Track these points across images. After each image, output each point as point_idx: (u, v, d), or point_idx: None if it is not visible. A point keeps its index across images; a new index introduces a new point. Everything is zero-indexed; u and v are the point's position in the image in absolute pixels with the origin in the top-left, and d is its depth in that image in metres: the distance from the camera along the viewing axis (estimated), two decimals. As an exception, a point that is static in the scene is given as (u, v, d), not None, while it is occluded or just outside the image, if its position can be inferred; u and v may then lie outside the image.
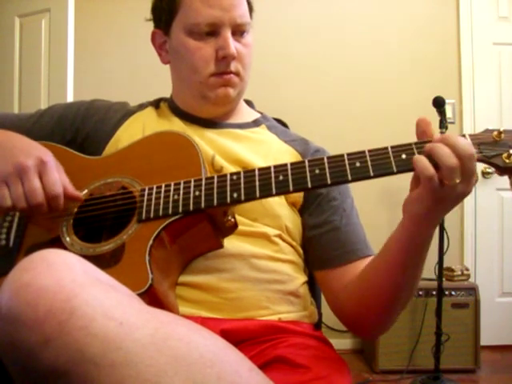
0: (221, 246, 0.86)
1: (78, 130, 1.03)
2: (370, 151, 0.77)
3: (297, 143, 1.03)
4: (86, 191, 0.89)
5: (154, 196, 0.83)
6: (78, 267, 0.58)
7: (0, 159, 0.83)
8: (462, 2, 3.10)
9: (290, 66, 3.08)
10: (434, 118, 2.38)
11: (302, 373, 0.79)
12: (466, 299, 2.60)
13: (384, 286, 0.84)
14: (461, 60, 3.10)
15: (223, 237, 0.87)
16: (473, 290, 2.61)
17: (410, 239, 0.79)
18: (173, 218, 0.80)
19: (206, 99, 0.99)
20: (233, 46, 0.95)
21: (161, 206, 0.81)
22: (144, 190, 0.85)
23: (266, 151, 0.98)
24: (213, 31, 0.95)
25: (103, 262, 0.78)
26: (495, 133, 0.75)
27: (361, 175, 0.76)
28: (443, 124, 2.39)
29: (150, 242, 0.78)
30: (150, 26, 1.05)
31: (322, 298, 1.02)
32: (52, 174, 0.83)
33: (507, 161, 0.74)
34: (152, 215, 0.81)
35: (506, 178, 0.77)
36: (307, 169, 0.78)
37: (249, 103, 1.12)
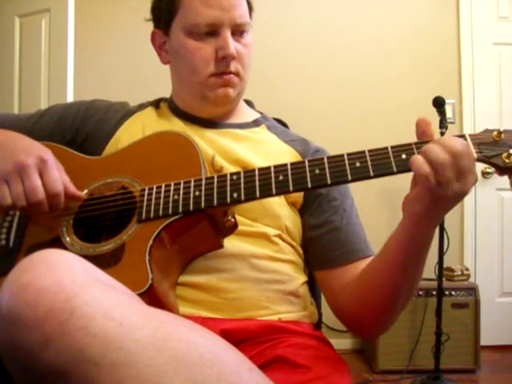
0: (221, 245, 0.86)
1: (78, 130, 1.03)
2: (369, 151, 0.77)
3: (297, 143, 1.03)
4: (86, 191, 0.89)
5: (153, 196, 0.83)
6: (78, 267, 0.58)
7: (0, 158, 0.83)
8: (461, 2, 3.10)
9: (289, 66, 3.08)
10: (434, 118, 2.38)
11: (302, 373, 0.79)
12: (466, 299, 2.60)
13: (384, 286, 0.84)
14: (461, 60, 3.10)
15: (223, 237, 0.87)
16: (473, 290, 2.61)
17: (409, 239, 0.79)
18: (173, 218, 0.81)
19: (205, 99, 0.99)
20: (232, 46, 0.95)
21: (161, 206, 0.81)
22: (144, 190, 0.85)
23: (265, 151, 0.98)
24: (212, 31, 0.95)
25: (103, 262, 0.78)
26: (495, 133, 0.75)
27: (361, 175, 0.76)
28: (443, 124, 2.39)
29: (150, 241, 0.78)
30: (150, 26, 1.05)
31: (322, 298, 1.02)
32: (52, 172, 0.83)
33: (507, 161, 0.74)
34: (152, 215, 0.81)
35: (505, 178, 0.77)
36: (307, 169, 0.78)
37: (249, 103, 1.12)
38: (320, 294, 1.05)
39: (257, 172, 0.80)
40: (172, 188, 0.83)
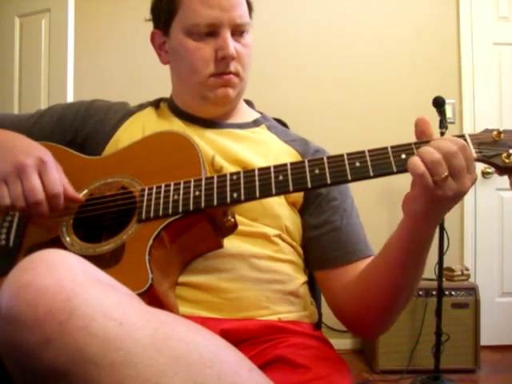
0: (221, 245, 0.86)
1: (78, 130, 1.03)
2: (369, 151, 0.77)
3: (297, 143, 1.03)
4: (85, 191, 0.89)
5: (153, 196, 0.83)
6: (78, 267, 0.58)
7: (0, 159, 0.83)
8: (461, 2, 3.10)
9: (289, 66, 3.08)
10: (434, 118, 2.38)
11: (302, 373, 0.79)
12: (466, 299, 2.60)
13: (384, 286, 0.84)
14: (461, 60, 3.10)
15: (223, 237, 0.87)
16: (473, 290, 2.61)
17: (410, 238, 0.79)
18: (173, 218, 0.81)
19: (205, 99, 0.99)
20: (232, 46, 0.95)
21: (161, 206, 0.81)
22: (144, 190, 0.85)
23: (265, 151, 0.98)
24: (212, 31, 0.95)
25: (103, 262, 0.78)
26: (495, 133, 0.76)
27: (360, 175, 0.76)
28: (443, 124, 2.39)
29: (150, 241, 0.78)
30: (150, 26, 1.05)
31: (322, 298, 1.02)
32: (52, 173, 0.83)
33: (507, 160, 0.74)
34: (152, 215, 0.81)
35: (505, 178, 0.77)
36: (307, 169, 0.78)
37: (249, 103, 1.12)
38: (320, 294, 1.05)
39: (257, 172, 0.81)
40: (172, 188, 0.83)
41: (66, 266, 0.57)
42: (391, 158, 0.76)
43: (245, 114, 1.07)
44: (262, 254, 0.90)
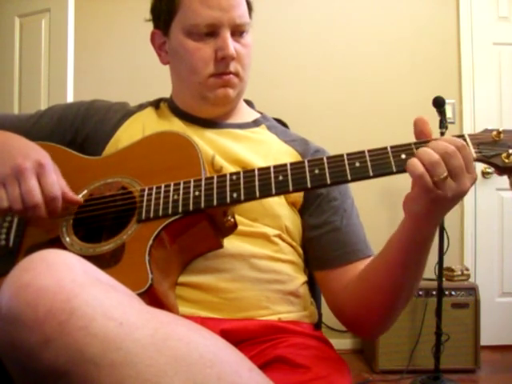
0: (220, 246, 0.86)
1: (78, 130, 1.03)
2: (369, 151, 0.77)
3: (297, 143, 1.03)
4: (85, 191, 0.89)
5: (153, 196, 0.83)
6: (78, 267, 0.58)
7: None
8: (461, 2, 3.10)
9: (289, 66, 3.08)
10: (434, 117, 2.38)
11: (302, 373, 0.79)
12: (466, 299, 2.60)
13: (384, 286, 0.85)
14: (461, 60, 3.10)
15: (223, 237, 0.87)
16: (473, 290, 2.61)
17: (410, 238, 0.79)
18: (172, 218, 0.81)
19: (205, 100, 0.99)
20: (232, 46, 0.95)
21: (160, 206, 0.81)
22: (144, 190, 0.85)
23: (265, 151, 0.98)
24: (212, 32, 0.95)
25: (103, 262, 0.78)
26: (494, 133, 0.76)
27: (360, 175, 0.76)
28: (443, 124, 2.39)
29: (150, 241, 0.78)
30: (150, 26, 1.05)
31: (322, 298, 1.02)
32: (50, 176, 0.83)
33: (506, 161, 0.74)
34: (152, 215, 0.81)
35: (505, 178, 0.77)
36: (307, 169, 0.78)
37: (249, 103, 1.12)
38: (320, 293, 1.05)
39: (256, 172, 0.81)
40: (172, 188, 0.83)
41: (66, 266, 0.57)
42: (391, 158, 0.76)
43: (245, 114, 1.07)
44: (262, 254, 0.90)
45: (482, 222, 3.05)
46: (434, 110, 2.40)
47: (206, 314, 0.84)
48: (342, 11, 3.13)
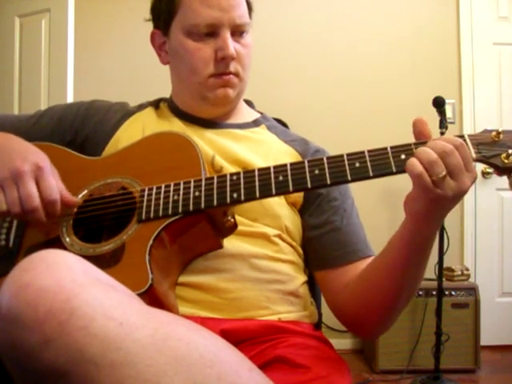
0: (220, 246, 0.86)
1: (78, 130, 1.03)
2: (369, 151, 0.77)
3: (297, 143, 1.03)
4: (85, 191, 0.89)
5: (153, 196, 0.83)
6: (78, 267, 0.58)
7: None
8: (461, 2, 3.10)
9: (289, 66, 3.08)
10: (434, 117, 2.38)
11: (302, 373, 0.79)
12: (466, 299, 2.60)
13: (385, 286, 0.85)
14: (461, 60, 3.10)
15: (223, 237, 0.87)
16: (473, 290, 2.61)
17: (411, 239, 0.79)
18: (173, 218, 0.81)
19: (205, 100, 0.99)
20: (232, 46, 0.95)
21: (161, 207, 0.82)
22: (144, 190, 0.85)
23: (265, 151, 0.98)
24: (212, 32, 0.95)
25: (103, 262, 0.78)
26: (494, 133, 0.76)
27: (360, 175, 0.76)
28: (443, 124, 2.39)
29: (150, 242, 0.78)
30: (150, 26, 1.05)
31: (322, 298, 1.02)
32: (48, 179, 0.83)
33: (506, 161, 0.74)
34: (152, 215, 0.81)
35: (505, 178, 0.77)
36: (307, 169, 0.78)
37: (249, 103, 1.12)
38: (320, 293, 1.05)
39: (256, 172, 0.81)
40: (172, 188, 0.83)
41: (66, 266, 0.57)
42: (391, 159, 0.76)
43: (245, 114, 1.07)
44: (262, 254, 0.90)
45: (482, 222, 3.05)
46: (434, 110, 2.40)
47: (206, 314, 0.84)
48: (342, 11, 3.13)
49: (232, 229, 0.86)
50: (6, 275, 0.56)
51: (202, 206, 0.80)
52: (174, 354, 0.53)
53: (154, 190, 0.84)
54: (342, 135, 2.92)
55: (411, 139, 0.77)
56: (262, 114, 1.10)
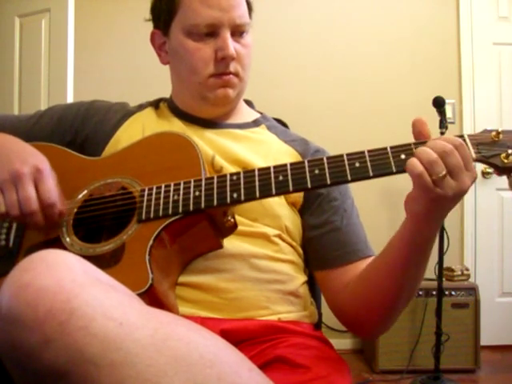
0: (220, 246, 0.86)
1: (78, 130, 1.03)
2: (369, 151, 0.77)
3: (297, 143, 1.03)
4: (85, 191, 0.89)
5: (153, 196, 0.83)
6: (78, 267, 0.58)
7: None
8: (461, 2, 3.10)
9: (290, 66, 3.08)
10: (434, 117, 2.38)
11: (302, 373, 0.79)
12: (466, 299, 2.60)
13: (385, 286, 0.85)
14: (461, 60, 3.10)
15: (223, 237, 0.87)
16: (473, 290, 2.61)
17: (411, 239, 0.79)
18: (173, 218, 0.81)
19: (205, 100, 0.99)
20: (232, 46, 0.95)
21: (161, 207, 0.81)
22: (144, 190, 0.85)
23: (265, 151, 0.98)
24: (212, 32, 0.95)
25: (103, 262, 0.78)
26: (494, 133, 0.76)
27: (360, 175, 0.76)
28: (443, 124, 2.39)
29: (150, 241, 0.78)
30: (150, 26, 1.05)
31: (322, 298, 1.02)
32: (48, 182, 0.83)
33: (506, 161, 0.74)
34: (152, 215, 0.81)
35: (505, 178, 0.77)
36: (307, 169, 0.78)
37: (249, 103, 1.12)
38: (320, 294, 1.05)
39: (256, 172, 0.81)
40: (172, 188, 0.83)
41: (66, 266, 0.57)
42: (391, 159, 0.76)
43: (245, 114, 1.07)
44: (262, 254, 0.90)
45: (482, 222, 3.05)
46: (434, 110, 2.40)
47: (205, 314, 0.84)
48: (342, 11, 3.13)
49: (232, 229, 0.86)
50: (6, 275, 0.56)
51: (202, 205, 0.80)
52: (174, 354, 0.53)
53: (154, 190, 0.84)
54: (342, 135, 2.92)
55: (411, 139, 0.77)
56: (261, 114, 1.10)
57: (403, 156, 0.75)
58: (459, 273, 2.69)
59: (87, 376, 0.51)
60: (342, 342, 2.77)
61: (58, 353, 0.51)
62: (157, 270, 0.77)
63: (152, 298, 0.73)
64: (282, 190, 0.79)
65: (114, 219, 0.86)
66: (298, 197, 0.96)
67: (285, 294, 0.91)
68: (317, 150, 1.03)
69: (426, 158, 0.71)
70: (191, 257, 0.87)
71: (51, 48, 2.88)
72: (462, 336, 2.55)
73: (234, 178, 0.81)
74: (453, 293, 2.59)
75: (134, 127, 1.01)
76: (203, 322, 0.80)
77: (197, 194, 0.81)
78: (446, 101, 2.41)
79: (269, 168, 0.80)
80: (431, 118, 2.28)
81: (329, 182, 0.77)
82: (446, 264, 2.53)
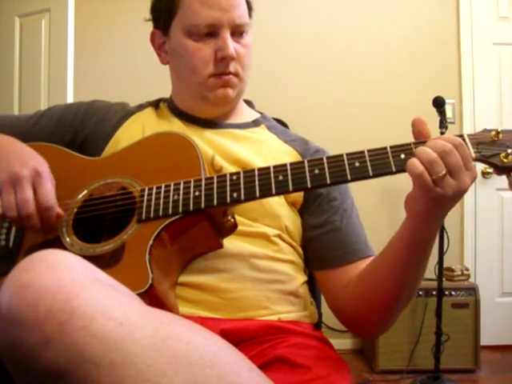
0: (220, 246, 0.86)
1: (78, 131, 1.03)
2: (369, 151, 0.77)
3: (297, 143, 1.03)
4: (85, 191, 0.89)
5: (153, 196, 0.83)
6: (78, 267, 0.58)
7: None
8: (461, 2, 3.10)
9: (290, 66, 3.08)
10: (434, 117, 2.38)
11: (302, 373, 0.79)
12: (466, 299, 2.60)
13: (385, 286, 0.85)
14: (461, 60, 3.10)
15: (223, 237, 0.87)
16: (473, 290, 2.61)
17: (411, 239, 0.79)
18: (173, 218, 0.81)
19: (205, 100, 0.99)
20: (232, 46, 0.95)
21: (161, 206, 0.82)
22: (144, 190, 0.85)
23: (265, 151, 0.98)
24: (212, 32, 0.95)
25: (103, 262, 0.78)
26: (493, 133, 0.76)
27: (360, 175, 0.76)
28: (443, 124, 2.39)
29: (151, 241, 0.78)
30: (150, 26, 1.05)
31: (322, 298, 1.02)
32: (46, 185, 0.83)
33: (505, 160, 0.74)
34: (152, 215, 0.81)
35: (505, 178, 0.77)
36: (307, 169, 0.78)
37: (249, 103, 1.12)
38: (320, 294, 1.05)
39: (256, 172, 0.81)
40: (172, 188, 0.83)
41: (66, 266, 0.57)
42: (390, 158, 0.76)
43: (244, 114, 1.07)
44: (262, 254, 0.90)
45: (482, 222, 3.05)
46: (434, 110, 2.40)
47: (205, 313, 0.84)
48: (341, 11, 3.13)
49: (232, 229, 0.86)
50: (6, 275, 0.57)
51: (202, 205, 0.80)
52: (174, 354, 0.53)
53: (154, 190, 0.84)
54: (342, 135, 2.92)
55: (411, 139, 0.77)
56: (261, 114, 1.10)
57: (403, 156, 0.75)
58: (459, 273, 2.69)
59: (87, 376, 0.51)
60: (342, 342, 2.77)
61: (58, 353, 0.51)
62: (157, 269, 0.77)
63: (152, 297, 0.73)
64: (281, 190, 0.79)
65: (114, 219, 0.86)
66: (298, 196, 0.96)
67: (285, 293, 0.91)
68: (317, 150, 1.03)
69: (425, 157, 0.72)
70: (191, 257, 0.87)
71: (51, 48, 2.88)
72: (462, 336, 2.55)
73: (234, 177, 0.81)
74: (453, 293, 2.59)
75: (134, 127, 1.01)
76: (203, 321, 0.80)
77: (197, 193, 0.81)
78: (446, 101, 2.41)
79: (269, 168, 0.80)
80: (431, 118, 2.27)
81: (329, 181, 0.77)
82: (446, 264, 2.53)
